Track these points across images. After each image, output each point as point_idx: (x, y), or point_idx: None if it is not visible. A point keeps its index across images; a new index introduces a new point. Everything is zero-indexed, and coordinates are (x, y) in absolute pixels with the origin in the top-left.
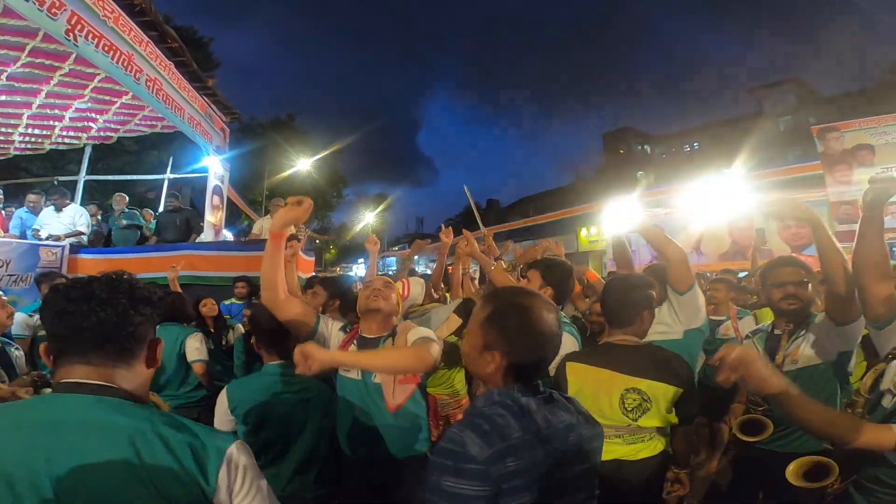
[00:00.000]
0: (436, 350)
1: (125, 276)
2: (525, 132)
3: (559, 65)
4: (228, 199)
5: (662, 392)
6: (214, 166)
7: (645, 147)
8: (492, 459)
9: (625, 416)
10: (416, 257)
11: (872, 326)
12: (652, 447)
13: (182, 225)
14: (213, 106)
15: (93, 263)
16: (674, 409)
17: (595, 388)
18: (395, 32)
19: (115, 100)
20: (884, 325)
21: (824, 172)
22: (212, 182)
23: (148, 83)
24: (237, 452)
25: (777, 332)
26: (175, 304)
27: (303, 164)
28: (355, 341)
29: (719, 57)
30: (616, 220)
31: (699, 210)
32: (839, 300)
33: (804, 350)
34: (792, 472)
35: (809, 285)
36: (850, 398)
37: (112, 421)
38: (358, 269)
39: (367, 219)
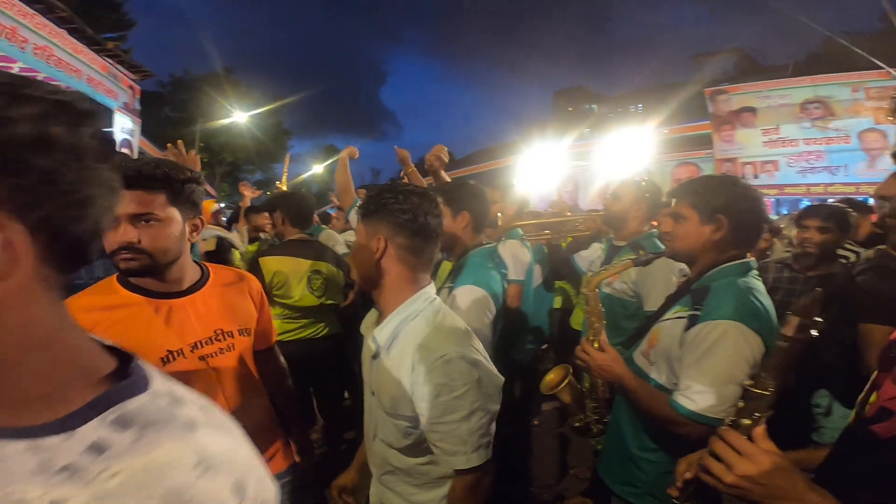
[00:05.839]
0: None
1: None
2: (485, 91)
3: (522, 26)
4: (145, 151)
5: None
6: (119, 121)
7: (592, 106)
8: None
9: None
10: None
11: None
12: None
13: None
14: (116, 66)
15: None
16: None
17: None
18: None
19: (11, 65)
20: None
21: (712, 132)
22: (118, 137)
23: (36, 51)
24: None
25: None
26: None
27: (239, 117)
28: None
29: (672, 24)
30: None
31: (612, 163)
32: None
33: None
34: (545, 386)
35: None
36: None
37: None
38: None
39: (315, 170)
